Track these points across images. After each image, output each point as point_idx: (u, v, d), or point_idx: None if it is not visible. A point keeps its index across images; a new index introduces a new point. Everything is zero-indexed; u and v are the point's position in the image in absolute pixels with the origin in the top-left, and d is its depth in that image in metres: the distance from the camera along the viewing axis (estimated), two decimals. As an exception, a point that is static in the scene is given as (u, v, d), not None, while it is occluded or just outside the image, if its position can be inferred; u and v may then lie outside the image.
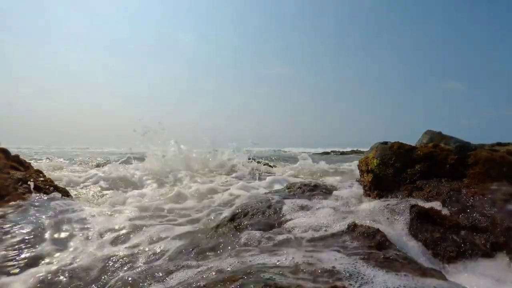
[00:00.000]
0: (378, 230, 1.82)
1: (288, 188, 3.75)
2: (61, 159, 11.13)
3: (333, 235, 2.02)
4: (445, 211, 2.11)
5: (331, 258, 1.48)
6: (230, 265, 1.54)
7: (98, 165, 8.87)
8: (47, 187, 3.89)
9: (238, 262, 1.57)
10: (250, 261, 1.57)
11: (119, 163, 7.58)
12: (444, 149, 2.55)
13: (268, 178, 6.07)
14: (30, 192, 3.48)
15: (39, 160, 10.52)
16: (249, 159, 9.28)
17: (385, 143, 2.78)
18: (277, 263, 1.52)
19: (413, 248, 1.83)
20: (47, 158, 11.75)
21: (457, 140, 2.69)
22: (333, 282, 1.22)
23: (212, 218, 3.10)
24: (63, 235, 2.50)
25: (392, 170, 2.58)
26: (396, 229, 2.01)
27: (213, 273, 1.46)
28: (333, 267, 1.37)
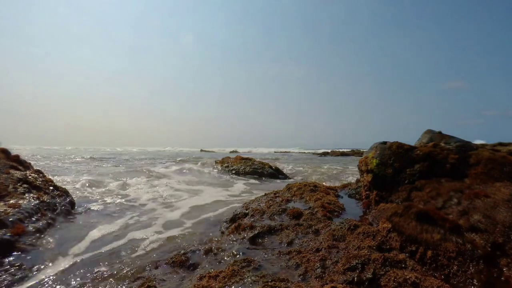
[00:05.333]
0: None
1: (288, 189, 3.73)
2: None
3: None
4: (445, 212, 2.08)
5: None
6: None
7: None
8: (47, 187, 3.89)
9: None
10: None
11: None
12: (444, 149, 2.52)
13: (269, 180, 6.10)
14: (30, 191, 3.48)
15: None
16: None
17: (384, 143, 2.76)
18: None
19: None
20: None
21: (457, 140, 2.66)
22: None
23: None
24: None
25: (391, 170, 2.56)
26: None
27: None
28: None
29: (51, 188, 3.89)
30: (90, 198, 4.59)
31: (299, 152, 38.38)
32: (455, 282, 1.61)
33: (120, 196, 4.83)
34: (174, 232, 2.91)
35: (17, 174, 3.70)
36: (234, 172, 8.70)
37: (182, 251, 2.22)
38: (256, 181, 7.42)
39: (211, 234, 2.84)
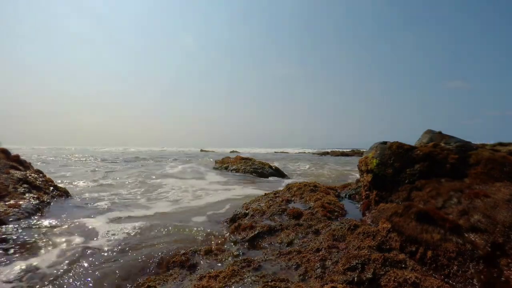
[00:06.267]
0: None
1: (289, 189, 3.73)
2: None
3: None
4: (445, 212, 2.08)
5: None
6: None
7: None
8: (47, 187, 3.89)
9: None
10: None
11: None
12: (444, 149, 2.53)
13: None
14: (31, 191, 3.48)
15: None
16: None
17: (384, 143, 2.76)
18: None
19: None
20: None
21: (457, 140, 2.66)
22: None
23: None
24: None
25: (391, 170, 2.56)
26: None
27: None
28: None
29: (51, 188, 3.90)
30: (92, 197, 4.59)
31: (299, 152, 38.41)
32: (455, 283, 1.61)
33: (125, 196, 4.82)
34: (174, 232, 2.91)
35: (17, 174, 3.70)
36: (234, 172, 8.70)
37: (182, 251, 2.22)
38: (256, 181, 7.42)
39: (211, 234, 2.84)
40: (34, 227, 2.75)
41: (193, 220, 3.37)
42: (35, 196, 3.41)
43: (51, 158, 14.87)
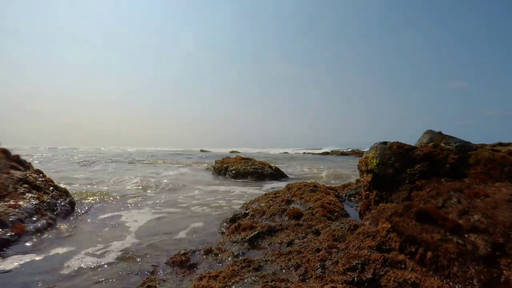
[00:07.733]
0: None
1: (289, 189, 3.73)
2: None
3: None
4: (445, 211, 2.08)
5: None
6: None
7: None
8: (47, 187, 3.89)
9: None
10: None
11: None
12: (444, 149, 2.53)
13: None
14: (31, 191, 3.48)
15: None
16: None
17: (385, 143, 2.76)
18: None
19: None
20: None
21: (457, 140, 2.66)
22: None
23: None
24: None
25: (391, 170, 2.56)
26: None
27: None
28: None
29: (51, 188, 3.89)
30: (94, 197, 4.59)
31: (299, 153, 38.41)
32: (455, 283, 1.60)
33: (131, 198, 4.82)
34: (173, 233, 2.91)
35: (17, 174, 3.70)
36: (234, 172, 8.69)
37: (182, 251, 2.22)
38: (256, 182, 7.42)
39: (211, 234, 2.84)
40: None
41: (190, 222, 3.37)
42: (35, 196, 3.41)
43: (52, 157, 14.87)
